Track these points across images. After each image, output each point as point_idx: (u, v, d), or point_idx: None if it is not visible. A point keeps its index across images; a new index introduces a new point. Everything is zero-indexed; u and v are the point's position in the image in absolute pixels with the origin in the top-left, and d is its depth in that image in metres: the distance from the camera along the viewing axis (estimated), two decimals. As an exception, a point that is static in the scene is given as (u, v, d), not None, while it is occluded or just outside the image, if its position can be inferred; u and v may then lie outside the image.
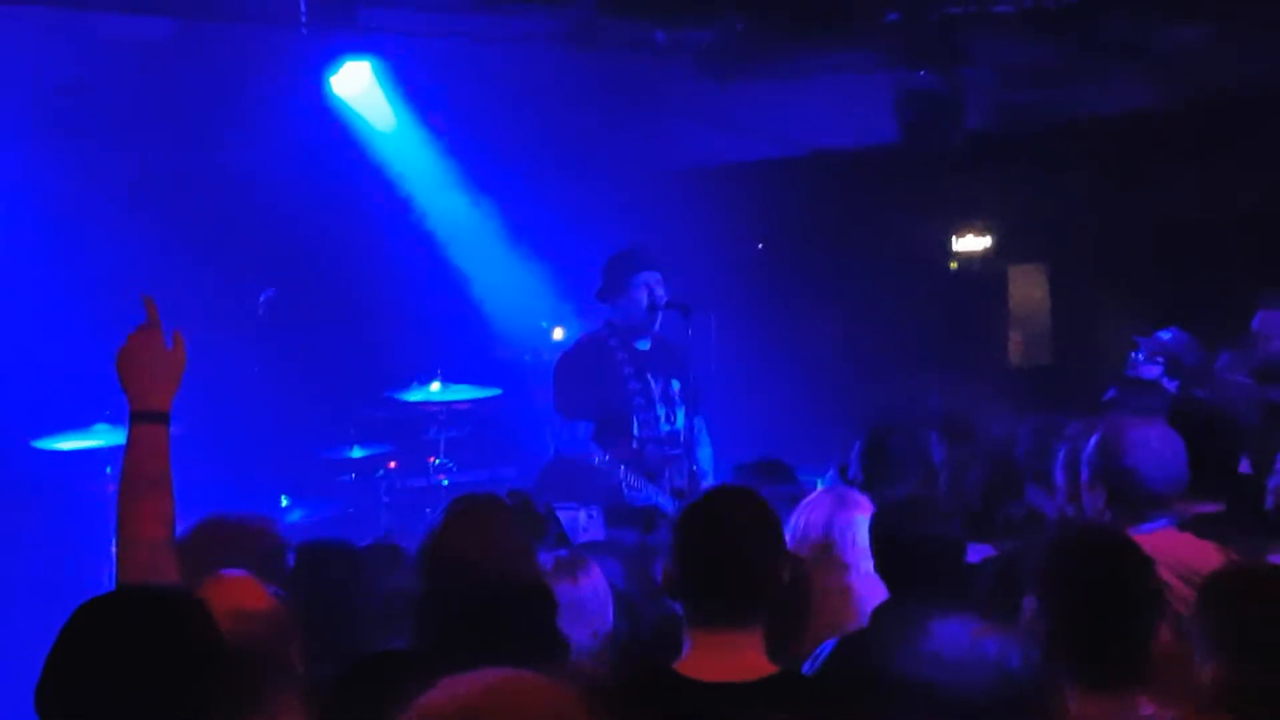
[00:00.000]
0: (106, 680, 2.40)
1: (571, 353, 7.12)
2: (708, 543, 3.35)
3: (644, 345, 6.96)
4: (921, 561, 4.08)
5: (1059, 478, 4.81)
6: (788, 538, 4.63)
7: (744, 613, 3.31)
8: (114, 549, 3.39)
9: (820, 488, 5.25)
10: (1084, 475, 4.48)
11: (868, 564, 4.59)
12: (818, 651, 4.07)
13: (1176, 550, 4.22)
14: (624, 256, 6.94)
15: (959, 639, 3.80)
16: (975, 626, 3.89)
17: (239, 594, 3.15)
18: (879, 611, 4.18)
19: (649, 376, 6.92)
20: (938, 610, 3.91)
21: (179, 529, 3.72)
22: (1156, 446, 4.40)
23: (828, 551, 4.68)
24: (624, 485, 6.56)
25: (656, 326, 6.91)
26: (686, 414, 7.01)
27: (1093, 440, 4.48)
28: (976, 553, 4.52)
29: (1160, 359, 7.22)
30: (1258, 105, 8.67)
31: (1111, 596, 3.39)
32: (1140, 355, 7.30)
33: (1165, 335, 7.30)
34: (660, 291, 6.83)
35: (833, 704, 3.28)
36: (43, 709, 2.42)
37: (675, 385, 6.98)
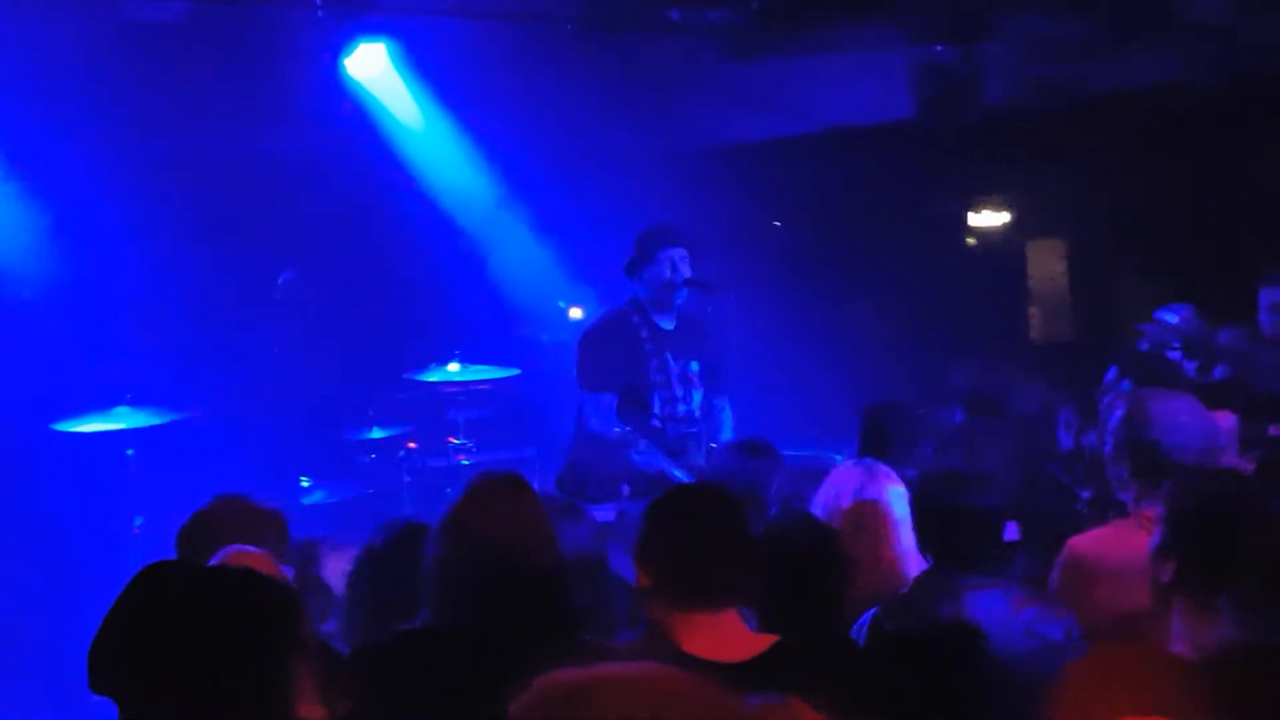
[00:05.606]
0: (168, 640, 2.42)
1: (596, 327, 7.12)
2: (674, 528, 3.52)
3: (668, 324, 6.95)
4: (963, 533, 4.08)
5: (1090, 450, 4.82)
6: (818, 509, 4.67)
7: (714, 594, 3.41)
8: None
9: (840, 463, 5.24)
10: (1108, 447, 4.46)
11: (902, 533, 4.61)
12: (861, 620, 4.09)
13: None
14: (653, 231, 6.95)
15: (999, 608, 3.82)
16: (1016, 596, 3.91)
17: (256, 568, 3.17)
18: (919, 580, 4.18)
19: (668, 355, 6.91)
20: (978, 579, 3.94)
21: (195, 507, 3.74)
22: (1183, 420, 4.37)
23: (859, 522, 4.69)
24: (636, 454, 6.56)
25: (678, 302, 6.91)
26: (705, 395, 7.01)
27: (1117, 413, 4.45)
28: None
29: (1176, 342, 7.20)
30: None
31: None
32: (1146, 345, 7.28)
33: (1172, 318, 7.27)
34: (684, 268, 6.82)
35: (845, 672, 3.28)
36: (98, 670, 2.44)
37: (694, 366, 6.98)
